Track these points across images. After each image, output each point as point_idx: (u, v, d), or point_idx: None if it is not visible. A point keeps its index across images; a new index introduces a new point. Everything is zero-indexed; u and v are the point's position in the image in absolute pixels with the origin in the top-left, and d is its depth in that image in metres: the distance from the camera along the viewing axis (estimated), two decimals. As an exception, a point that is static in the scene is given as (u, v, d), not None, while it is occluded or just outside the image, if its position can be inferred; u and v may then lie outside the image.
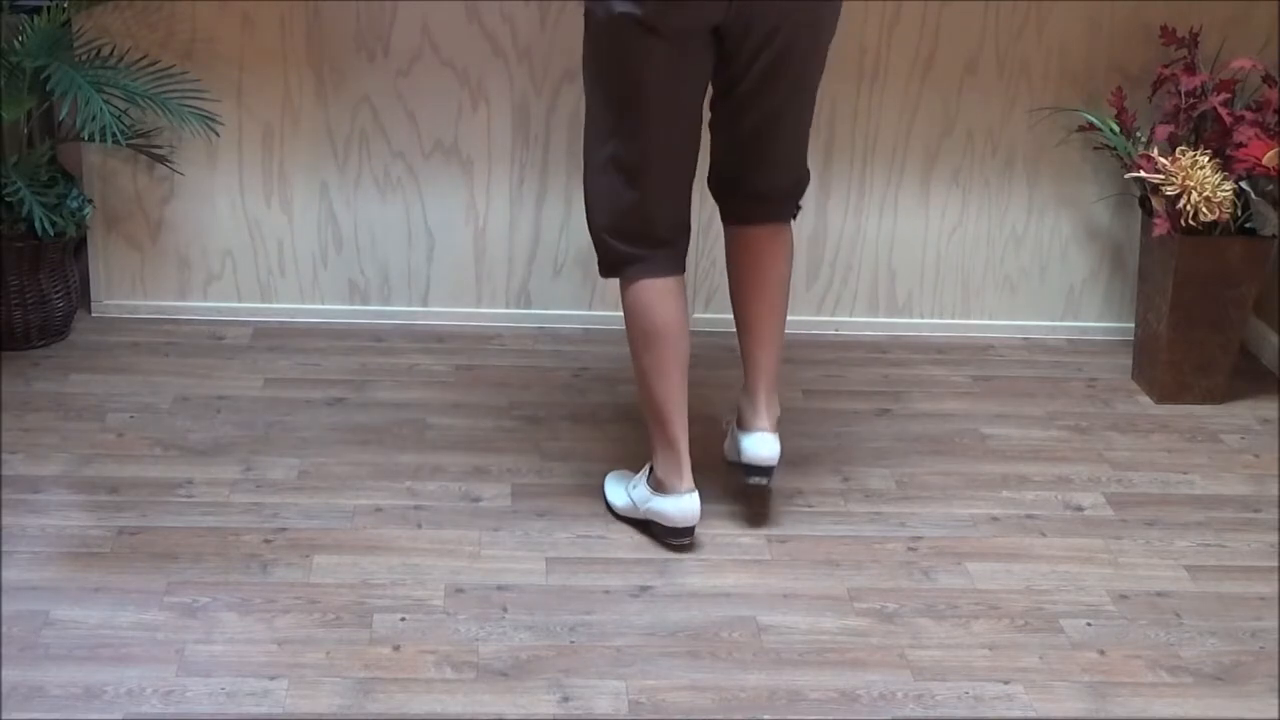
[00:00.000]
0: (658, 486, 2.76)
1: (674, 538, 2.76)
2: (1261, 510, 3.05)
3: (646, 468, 2.81)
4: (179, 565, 2.66)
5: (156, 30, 3.47)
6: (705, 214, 3.37)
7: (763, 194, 2.81)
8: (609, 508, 2.88)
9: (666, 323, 2.71)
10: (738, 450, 2.86)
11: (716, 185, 2.87)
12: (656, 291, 2.71)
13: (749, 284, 2.84)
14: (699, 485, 2.77)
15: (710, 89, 2.73)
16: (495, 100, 3.58)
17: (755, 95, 2.68)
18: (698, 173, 2.79)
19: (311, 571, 2.66)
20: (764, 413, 2.84)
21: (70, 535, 2.74)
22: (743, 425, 2.88)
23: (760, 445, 2.81)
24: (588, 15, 2.61)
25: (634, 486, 2.83)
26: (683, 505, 2.73)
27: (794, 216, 2.88)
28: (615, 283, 3.68)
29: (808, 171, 2.88)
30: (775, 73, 2.65)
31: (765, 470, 2.82)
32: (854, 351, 3.69)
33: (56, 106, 3.43)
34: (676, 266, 2.75)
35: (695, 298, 3.71)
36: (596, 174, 2.73)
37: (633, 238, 2.72)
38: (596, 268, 3.68)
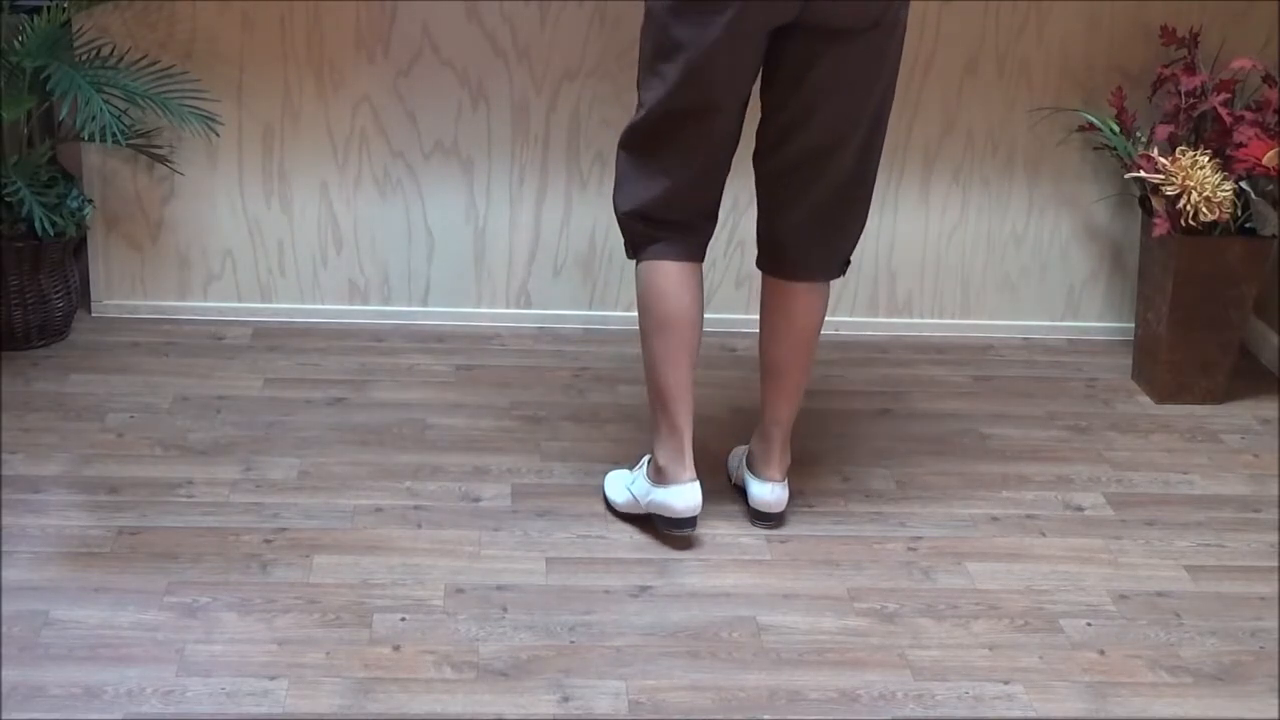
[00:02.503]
0: (658, 476, 2.74)
1: (676, 529, 2.74)
2: (1261, 510, 3.05)
3: (644, 460, 2.81)
4: (179, 565, 2.66)
5: (156, 30, 3.47)
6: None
7: (805, 251, 2.73)
8: (609, 506, 2.88)
9: (680, 309, 2.69)
10: (746, 493, 2.89)
11: (760, 229, 2.79)
12: (672, 276, 2.69)
13: (779, 333, 2.80)
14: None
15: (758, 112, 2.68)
16: (495, 100, 3.58)
17: (809, 112, 2.59)
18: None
19: (311, 571, 2.66)
20: (776, 463, 2.84)
21: (70, 535, 2.74)
22: (753, 469, 2.88)
23: (769, 494, 2.84)
24: (649, 13, 2.58)
25: (634, 481, 2.82)
26: (685, 495, 2.71)
27: (842, 274, 2.80)
28: (615, 282, 3.70)
29: (861, 227, 2.78)
30: (835, 85, 2.55)
31: (773, 517, 2.86)
32: (854, 351, 3.69)
33: (56, 106, 3.43)
34: (696, 252, 2.72)
35: (695, 298, 3.71)
36: (631, 162, 2.70)
37: (659, 223, 2.69)
38: (596, 269, 3.72)
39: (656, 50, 2.59)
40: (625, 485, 2.85)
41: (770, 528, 2.85)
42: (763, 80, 2.64)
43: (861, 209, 2.76)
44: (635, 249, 2.74)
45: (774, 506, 2.85)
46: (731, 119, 2.63)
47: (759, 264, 2.80)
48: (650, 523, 2.82)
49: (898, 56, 2.63)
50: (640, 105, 2.66)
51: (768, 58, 2.59)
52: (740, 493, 2.92)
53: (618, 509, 2.85)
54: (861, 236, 2.80)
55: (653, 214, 2.68)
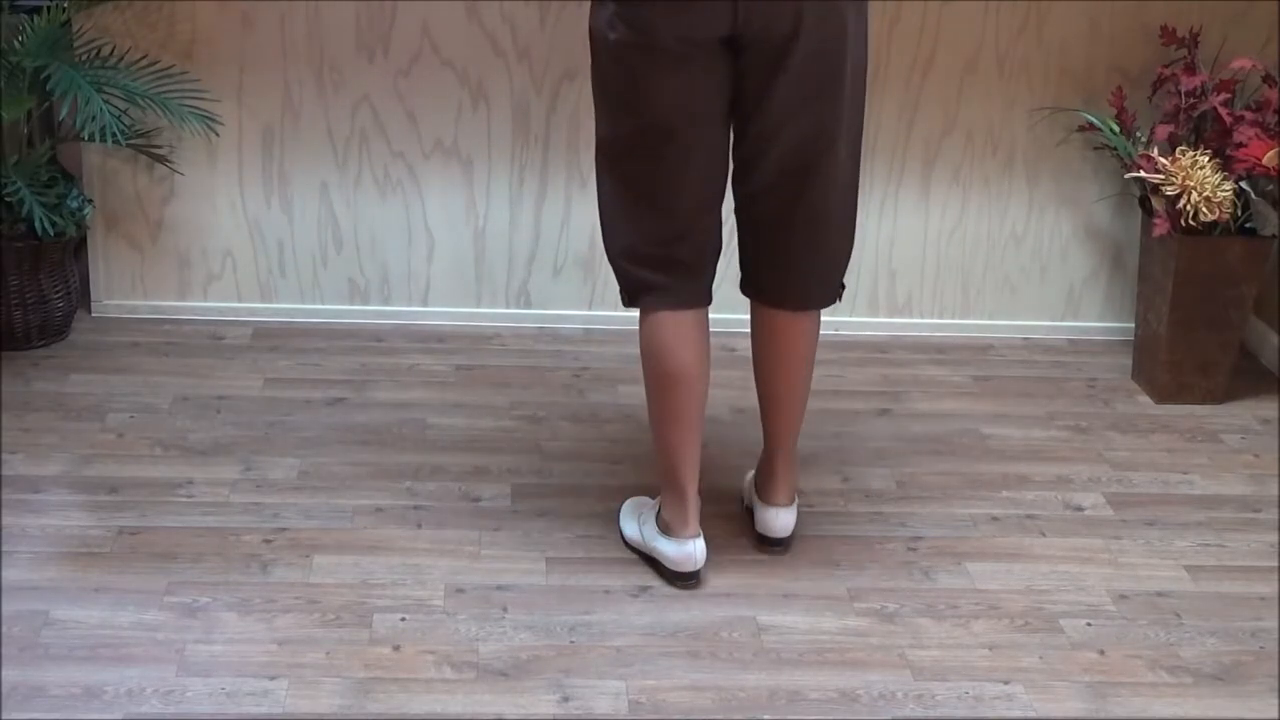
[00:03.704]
0: (665, 528, 2.68)
1: (678, 581, 2.68)
2: (1261, 510, 3.05)
3: (657, 503, 2.74)
4: (179, 565, 2.66)
5: (156, 30, 3.47)
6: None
7: (790, 278, 2.63)
8: (621, 536, 2.82)
9: (684, 366, 2.59)
10: (752, 516, 2.83)
11: (741, 254, 2.70)
12: (675, 329, 2.57)
13: (770, 362, 2.72)
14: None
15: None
16: (495, 100, 3.58)
17: (774, 136, 2.48)
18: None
19: (311, 571, 2.66)
20: (780, 487, 2.78)
21: (70, 535, 2.74)
22: (760, 494, 2.82)
23: (775, 519, 2.78)
24: (590, 33, 2.50)
25: (644, 521, 2.75)
26: (686, 551, 2.65)
27: (835, 300, 2.68)
28: (615, 282, 3.69)
29: (848, 250, 2.66)
30: (795, 104, 2.45)
31: (780, 542, 2.80)
32: (854, 351, 3.69)
33: (56, 106, 3.43)
34: (700, 297, 2.60)
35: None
36: (611, 197, 2.59)
37: (653, 263, 2.56)
38: (596, 269, 3.72)
39: (603, 73, 2.51)
40: (637, 521, 2.78)
41: (778, 553, 2.80)
42: (730, 107, 2.53)
43: (847, 228, 2.65)
44: (631, 297, 2.62)
45: (780, 531, 2.79)
46: (702, 143, 2.50)
47: (742, 289, 2.70)
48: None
49: (861, 68, 2.51)
50: (598, 131, 2.56)
51: (731, 83, 2.48)
52: (751, 515, 2.87)
53: (626, 540, 2.80)
54: (850, 260, 2.69)
55: (645, 250, 2.56)
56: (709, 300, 2.63)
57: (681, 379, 2.59)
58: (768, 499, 2.80)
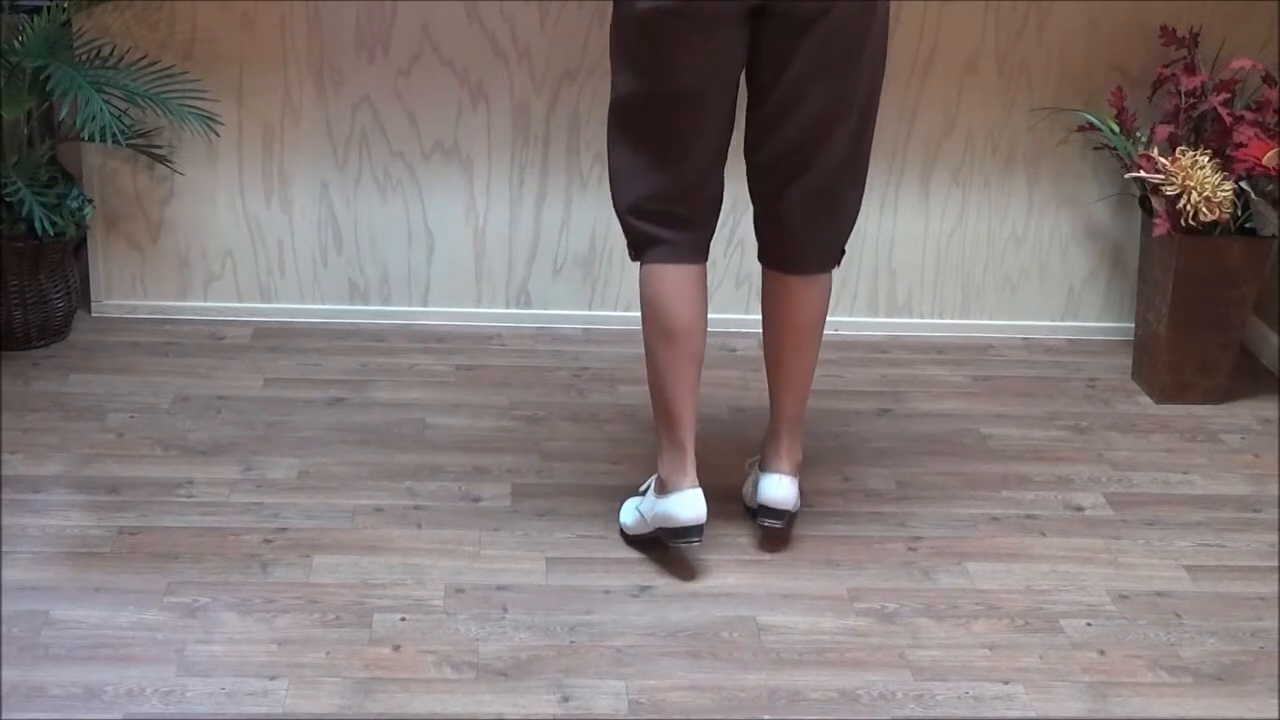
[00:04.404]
0: (661, 488, 2.69)
1: (682, 538, 2.66)
2: (1261, 510, 3.05)
3: (652, 479, 2.75)
4: (179, 565, 2.66)
5: (156, 30, 3.47)
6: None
7: (798, 243, 2.69)
8: (622, 534, 2.82)
9: (683, 319, 2.64)
10: (754, 491, 2.82)
11: (756, 223, 2.75)
12: (675, 282, 2.65)
13: (778, 326, 2.75)
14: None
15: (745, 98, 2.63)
16: (495, 100, 3.58)
17: (792, 103, 2.55)
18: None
19: (311, 571, 2.66)
20: (784, 456, 2.78)
21: (70, 535, 2.74)
22: (763, 463, 2.82)
23: (776, 488, 2.76)
24: None
25: (641, 501, 2.77)
26: (687, 501, 2.64)
27: (836, 264, 2.76)
28: (615, 282, 3.70)
29: (854, 215, 2.74)
30: (816, 74, 2.52)
31: (779, 514, 2.77)
32: (854, 351, 3.69)
33: (56, 106, 3.43)
34: (698, 253, 2.67)
35: (695, 298, 3.70)
36: (620, 153, 2.65)
37: (658, 219, 2.63)
38: (596, 269, 3.72)
39: (625, 36, 2.57)
40: (634, 506, 2.79)
41: (777, 526, 2.77)
42: (746, 71, 2.61)
43: (853, 198, 2.72)
44: (637, 250, 2.69)
45: (781, 502, 2.75)
46: (718, 106, 2.58)
47: (759, 257, 2.77)
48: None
49: (882, 43, 2.58)
50: (614, 89, 2.63)
51: (749, 48, 2.55)
52: (753, 515, 2.86)
53: (628, 532, 2.80)
54: (855, 225, 2.76)
55: (651, 207, 2.63)
56: (706, 256, 2.70)
57: (680, 331, 2.65)
58: (770, 466, 2.80)
